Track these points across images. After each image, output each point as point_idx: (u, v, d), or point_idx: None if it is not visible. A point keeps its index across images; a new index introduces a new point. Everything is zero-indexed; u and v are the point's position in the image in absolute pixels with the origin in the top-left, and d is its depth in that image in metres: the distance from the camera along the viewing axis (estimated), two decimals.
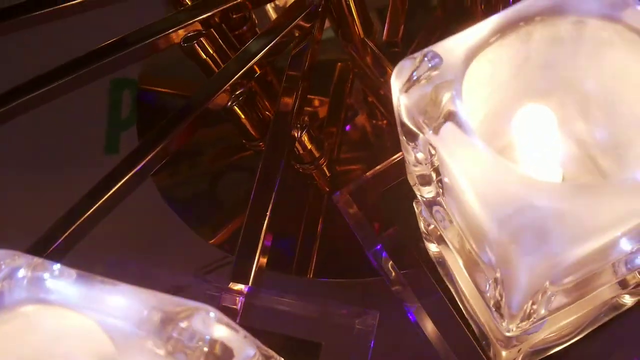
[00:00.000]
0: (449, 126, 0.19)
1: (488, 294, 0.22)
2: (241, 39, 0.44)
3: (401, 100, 0.21)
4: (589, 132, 0.25)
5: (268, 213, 0.33)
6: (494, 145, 0.25)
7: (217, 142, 0.46)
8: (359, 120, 0.50)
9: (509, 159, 0.23)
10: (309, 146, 0.37)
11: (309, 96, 0.51)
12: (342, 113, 0.48)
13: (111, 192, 0.35)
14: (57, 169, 0.60)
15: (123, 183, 0.35)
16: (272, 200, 0.33)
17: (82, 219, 0.35)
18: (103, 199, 0.35)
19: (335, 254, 0.39)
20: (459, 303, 0.29)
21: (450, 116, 0.19)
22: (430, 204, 0.26)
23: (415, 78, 0.20)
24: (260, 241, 0.32)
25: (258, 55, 0.37)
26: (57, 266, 0.17)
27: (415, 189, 0.27)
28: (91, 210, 0.34)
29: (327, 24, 0.42)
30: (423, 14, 0.49)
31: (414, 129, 0.21)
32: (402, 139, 0.23)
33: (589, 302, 0.26)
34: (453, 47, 0.21)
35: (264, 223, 0.32)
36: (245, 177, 0.45)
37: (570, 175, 0.25)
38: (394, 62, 0.48)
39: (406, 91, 0.20)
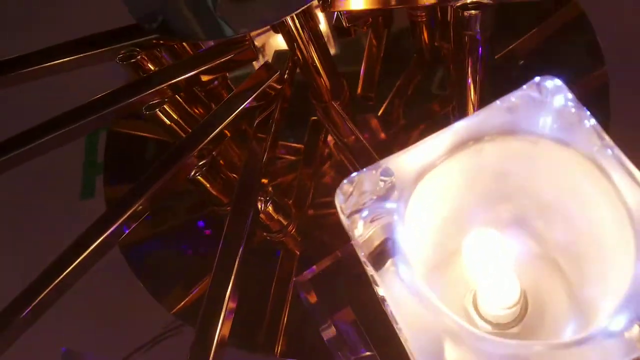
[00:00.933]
0: (384, 260, 0.19)
1: None
2: (212, 92, 0.44)
3: (344, 220, 0.21)
4: (549, 232, 0.24)
5: (228, 293, 0.32)
6: (451, 250, 0.24)
7: (184, 196, 0.46)
8: (335, 163, 0.50)
9: (464, 272, 0.23)
10: (276, 216, 0.36)
11: (284, 142, 0.51)
12: (317, 159, 0.48)
13: (72, 266, 0.34)
14: (31, 214, 0.59)
15: (85, 256, 0.34)
16: (234, 274, 0.33)
17: (45, 292, 0.34)
18: (64, 273, 0.34)
19: (306, 322, 0.38)
20: None
21: (387, 251, 0.19)
22: (384, 300, 0.26)
23: (355, 208, 0.19)
24: (220, 322, 0.31)
25: (224, 122, 0.36)
26: None
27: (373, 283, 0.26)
28: (50, 288, 0.33)
29: None
30: (400, 63, 0.48)
31: None
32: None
33: None
34: (401, 167, 0.20)
35: (223, 305, 0.32)
36: (215, 236, 0.44)
37: (530, 279, 0.24)
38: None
39: (345, 215, 0.20)
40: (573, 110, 0.20)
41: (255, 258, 0.40)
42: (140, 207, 0.35)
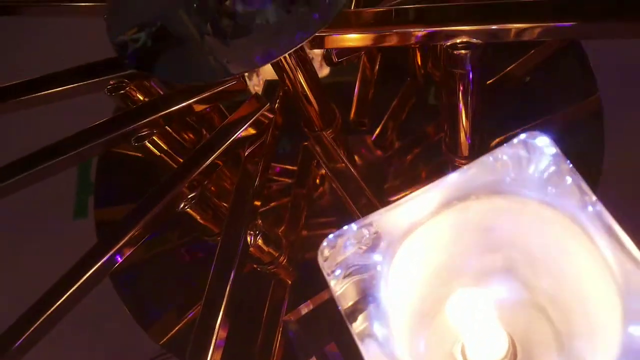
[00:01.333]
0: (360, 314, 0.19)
1: None
2: (204, 117, 0.44)
3: (327, 277, 0.21)
4: (538, 282, 0.24)
5: (219, 322, 0.32)
6: (441, 298, 0.24)
7: (175, 222, 0.46)
8: (330, 184, 0.50)
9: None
10: (266, 249, 0.36)
11: (275, 164, 0.51)
12: (310, 181, 0.48)
13: (64, 298, 0.34)
14: (24, 234, 0.59)
15: (76, 288, 0.34)
16: (224, 302, 0.33)
17: (37, 324, 0.34)
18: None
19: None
20: None
21: (365, 307, 0.19)
22: None
23: (337, 266, 0.19)
24: (211, 351, 0.31)
25: (215, 154, 0.36)
26: None
27: None
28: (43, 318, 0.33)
29: None
30: (394, 86, 0.48)
31: None
32: None
33: None
34: (387, 223, 0.20)
35: (214, 334, 0.32)
36: (206, 262, 0.44)
37: (519, 326, 0.24)
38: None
39: (327, 273, 0.20)
40: (558, 167, 0.20)
41: (247, 285, 0.40)
42: (136, 232, 0.35)
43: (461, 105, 0.36)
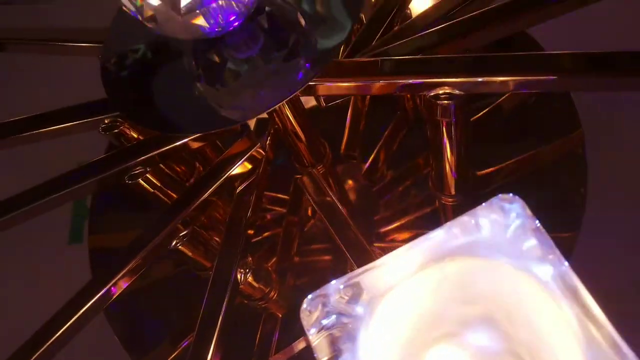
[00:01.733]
0: None
1: None
2: (198, 150, 0.45)
3: (306, 332, 0.22)
4: (515, 332, 0.25)
5: (210, 355, 0.33)
6: (425, 342, 0.25)
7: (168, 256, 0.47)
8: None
9: None
10: (257, 285, 0.38)
11: (269, 193, 0.52)
12: (302, 210, 0.49)
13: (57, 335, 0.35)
14: (18, 259, 0.60)
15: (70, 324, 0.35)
16: (216, 336, 0.34)
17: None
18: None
19: None
20: None
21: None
22: None
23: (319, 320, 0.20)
24: None
25: (209, 191, 0.37)
26: None
27: None
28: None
29: None
30: (385, 117, 0.49)
31: None
32: None
33: None
34: (367, 283, 0.22)
35: None
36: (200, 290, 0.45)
37: None
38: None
39: (307, 329, 0.21)
40: (529, 229, 0.21)
41: (238, 316, 0.41)
42: (130, 268, 0.36)
43: (445, 149, 0.37)
